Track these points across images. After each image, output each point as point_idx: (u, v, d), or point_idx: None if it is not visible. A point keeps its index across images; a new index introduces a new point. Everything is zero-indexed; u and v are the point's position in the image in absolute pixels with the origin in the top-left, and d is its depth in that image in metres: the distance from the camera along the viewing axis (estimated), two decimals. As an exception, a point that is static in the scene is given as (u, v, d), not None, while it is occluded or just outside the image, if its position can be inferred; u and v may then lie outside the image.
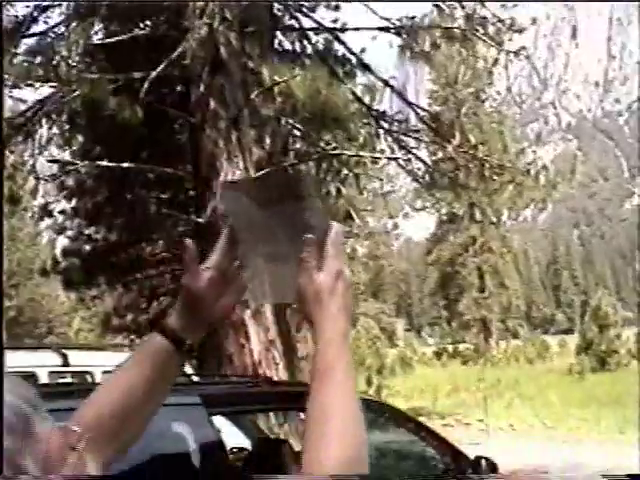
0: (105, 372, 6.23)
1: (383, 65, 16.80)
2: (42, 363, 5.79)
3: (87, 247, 17.00)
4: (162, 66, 9.66)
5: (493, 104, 52.87)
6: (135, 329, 18.71)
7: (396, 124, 13.85)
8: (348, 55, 14.22)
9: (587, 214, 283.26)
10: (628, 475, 6.22)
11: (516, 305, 60.47)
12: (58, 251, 19.11)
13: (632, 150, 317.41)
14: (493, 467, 4.79)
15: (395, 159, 13.87)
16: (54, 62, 10.15)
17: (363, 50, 14.70)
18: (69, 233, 17.57)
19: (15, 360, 5.67)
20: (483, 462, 4.78)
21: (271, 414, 7.50)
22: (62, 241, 19.95)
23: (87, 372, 6.28)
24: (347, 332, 1.22)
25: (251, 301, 1.16)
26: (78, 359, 6.20)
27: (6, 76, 9.82)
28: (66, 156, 14.62)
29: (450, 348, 56.37)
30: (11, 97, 12.26)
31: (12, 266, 39.49)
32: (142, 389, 1.30)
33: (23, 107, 12.51)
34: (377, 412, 4.81)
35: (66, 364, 6.00)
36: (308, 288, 1.22)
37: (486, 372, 33.40)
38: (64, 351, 6.09)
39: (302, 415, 5.30)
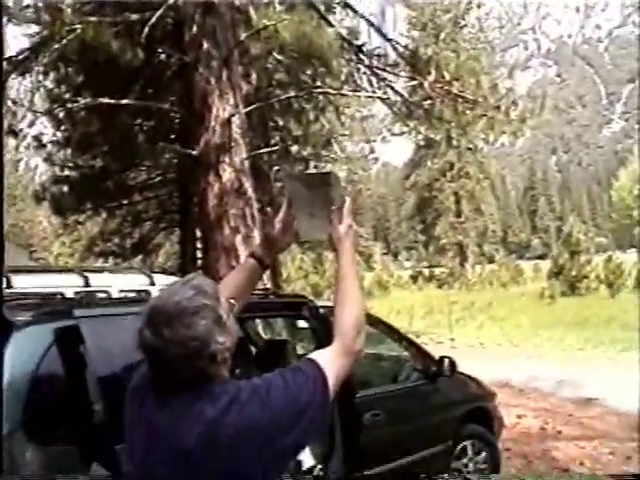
0: (121, 290, 7.06)
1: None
2: (67, 284, 6.55)
3: (75, 174, 17.51)
4: (161, 10, 10.14)
5: (472, 30, 52.75)
6: (120, 253, 19.35)
7: (375, 59, 14.31)
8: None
9: (565, 140, 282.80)
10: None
11: (492, 230, 61.15)
12: (39, 177, 19.35)
13: (611, 77, 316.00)
14: (452, 364, 5.79)
15: (380, 98, 14.35)
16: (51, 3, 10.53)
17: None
18: (59, 161, 17.96)
19: (43, 281, 6.47)
20: (446, 360, 5.78)
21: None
22: (43, 168, 20.21)
23: (105, 291, 7.03)
24: (354, 257, 2.27)
25: (301, 237, 2.28)
26: (97, 280, 6.97)
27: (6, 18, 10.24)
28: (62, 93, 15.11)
29: (426, 272, 56.93)
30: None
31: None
32: (242, 287, 2.42)
33: (21, 46, 12.86)
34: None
35: (87, 285, 6.80)
36: (334, 233, 2.30)
37: (461, 295, 34.37)
38: (85, 274, 6.86)
39: (301, 322, 6.20)
